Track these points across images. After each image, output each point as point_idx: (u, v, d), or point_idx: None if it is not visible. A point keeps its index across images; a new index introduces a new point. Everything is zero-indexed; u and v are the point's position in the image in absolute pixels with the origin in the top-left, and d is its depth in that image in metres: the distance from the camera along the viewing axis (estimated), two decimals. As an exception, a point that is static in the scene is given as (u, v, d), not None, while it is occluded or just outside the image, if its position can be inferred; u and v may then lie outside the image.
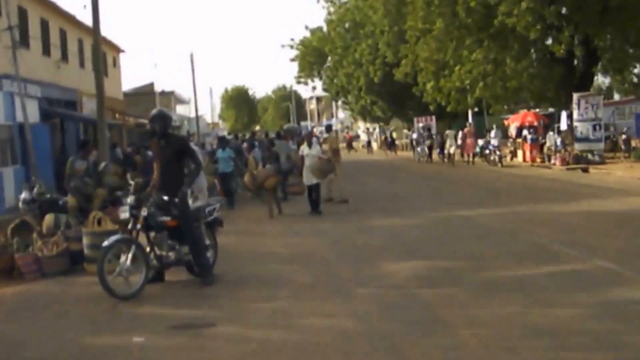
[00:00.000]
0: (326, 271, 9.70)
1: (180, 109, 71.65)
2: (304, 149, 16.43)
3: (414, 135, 41.00)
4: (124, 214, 8.87)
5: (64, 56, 28.90)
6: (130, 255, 8.52)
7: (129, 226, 8.83)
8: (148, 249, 8.96)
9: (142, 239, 8.96)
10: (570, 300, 7.36)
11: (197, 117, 55.23)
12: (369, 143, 53.43)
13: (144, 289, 8.62)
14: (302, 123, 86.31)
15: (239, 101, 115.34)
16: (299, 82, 63.78)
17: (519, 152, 30.49)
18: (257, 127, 49.60)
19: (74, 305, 8.43)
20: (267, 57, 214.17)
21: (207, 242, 9.64)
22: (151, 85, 55.76)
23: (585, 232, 11.62)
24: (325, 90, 64.21)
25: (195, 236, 9.08)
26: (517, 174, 24.62)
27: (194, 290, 8.84)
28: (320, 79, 61.50)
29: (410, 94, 41.72)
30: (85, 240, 10.34)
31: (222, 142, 19.45)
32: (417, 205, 17.12)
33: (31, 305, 8.67)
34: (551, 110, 37.58)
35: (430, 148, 36.43)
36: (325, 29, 56.71)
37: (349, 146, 57.28)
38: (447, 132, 33.38)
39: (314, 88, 67.65)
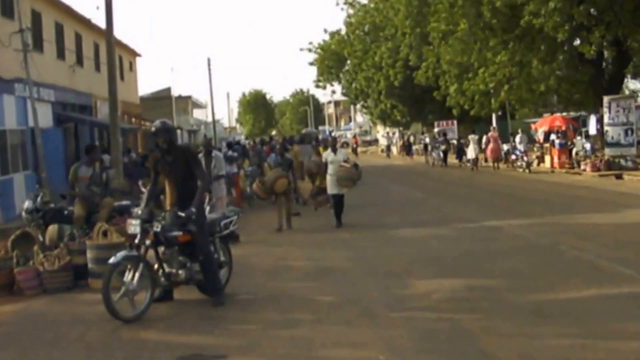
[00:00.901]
0: (352, 290, 8.82)
1: (197, 114, 71.26)
2: (328, 154, 14.80)
3: (427, 140, 40.48)
4: (134, 227, 7.98)
5: (79, 60, 28.26)
6: (137, 275, 7.69)
7: (136, 240, 7.98)
8: (156, 266, 8.13)
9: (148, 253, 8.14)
10: (635, 330, 6.39)
11: (214, 122, 54.61)
12: (388, 147, 52.42)
13: (150, 309, 7.80)
14: (320, 127, 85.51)
15: (256, 105, 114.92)
16: (317, 86, 62.88)
17: (547, 158, 29.37)
18: (274, 132, 48.39)
19: (73, 328, 7.62)
20: (285, 61, 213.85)
21: (222, 258, 8.80)
22: (168, 89, 55.22)
23: (636, 246, 10.57)
24: (344, 94, 63.32)
25: (207, 252, 8.23)
26: (547, 181, 23.55)
27: (205, 312, 7.98)
28: (339, 82, 60.65)
29: (431, 98, 40.88)
30: (89, 254, 9.54)
31: (206, 146, 17.54)
32: (444, 213, 16.18)
33: (28, 327, 7.90)
34: (578, 114, 36.46)
35: (445, 153, 35.65)
36: (344, 31, 55.86)
37: (355, 152, 54.75)
38: (471, 136, 32.39)
39: (333, 92, 66.79)
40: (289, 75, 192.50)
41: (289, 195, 14.80)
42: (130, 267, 7.74)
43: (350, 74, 55.83)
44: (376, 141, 67.83)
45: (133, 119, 37.41)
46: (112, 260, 7.67)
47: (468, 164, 32.92)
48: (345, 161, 14.54)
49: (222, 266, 8.73)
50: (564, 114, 36.63)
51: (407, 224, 14.51)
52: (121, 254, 7.80)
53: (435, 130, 41.98)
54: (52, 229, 10.41)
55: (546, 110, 37.58)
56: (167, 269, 8.16)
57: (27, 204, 11.18)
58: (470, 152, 31.90)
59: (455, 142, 38.95)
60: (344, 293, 8.62)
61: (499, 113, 39.40)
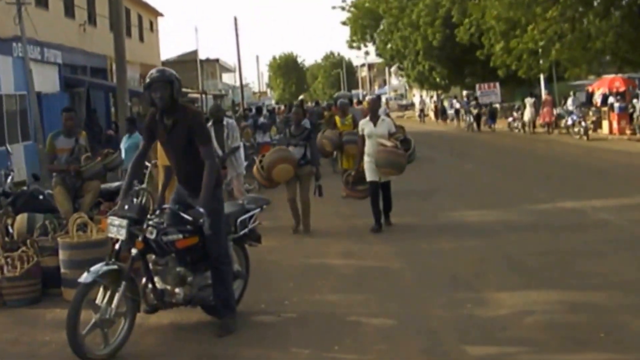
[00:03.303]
0: (407, 305, 6.52)
1: (225, 78, 69.03)
2: (365, 125, 10.18)
3: (457, 105, 39.30)
4: (117, 230, 5.58)
5: (91, 18, 25.99)
6: (117, 297, 5.41)
7: (117, 245, 5.65)
8: (143, 280, 5.84)
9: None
10: None
11: (242, 86, 52.24)
12: (422, 112, 50.47)
13: (129, 343, 5.58)
14: (354, 91, 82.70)
15: (287, 69, 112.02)
16: (351, 47, 60.13)
17: (604, 123, 26.64)
18: (301, 97, 45.38)
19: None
20: (317, 21, 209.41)
21: (236, 266, 6.47)
22: (195, 52, 52.91)
23: None
24: (378, 55, 60.42)
25: (222, 258, 5.95)
26: (612, 149, 20.85)
27: (207, 346, 5.69)
28: (374, 43, 57.83)
29: (471, 59, 38.11)
30: (62, 255, 7.25)
31: (130, 124, 13.17)
32: (507, 191, 13.60)
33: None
34: (628, 75, 33.56)
35: (478, 117, 34.16)
36: (379, -13, 52.91)
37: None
38: (527, 99, 29.91)
39: (367, 53, 64.01)
40: (320, 37, 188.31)
41: (306, 184, 10.40)
42: (108, 285, 5.46)
43: (386, 34, 52.93)
44: (412, 105, 65.36)
45: (154, 83, 35.22)
46: (84, 277, 5.32)
47: (516, 130, 30.89)
48: (391, 134, 10.26)
49: (235, 277, 6.42)
50: (619, 75, 33.82)
51: (465, 207, 11.95)
52: (97, 267, 5.45)
53: (464, 93, 39.78)
54: (21, 219, 8.14)
55: (600, 71, 34.70)
56: (159, 285, 5.84)
57: (-6, 186, 8.95)
58: (526, 116, 29.87)
59: (497, 106, 36.74)
60: (397, 311, 6.35)
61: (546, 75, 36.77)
